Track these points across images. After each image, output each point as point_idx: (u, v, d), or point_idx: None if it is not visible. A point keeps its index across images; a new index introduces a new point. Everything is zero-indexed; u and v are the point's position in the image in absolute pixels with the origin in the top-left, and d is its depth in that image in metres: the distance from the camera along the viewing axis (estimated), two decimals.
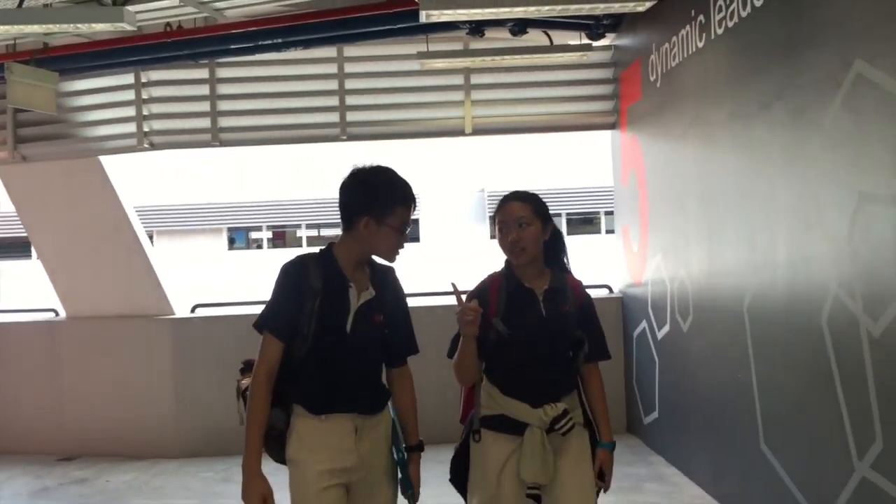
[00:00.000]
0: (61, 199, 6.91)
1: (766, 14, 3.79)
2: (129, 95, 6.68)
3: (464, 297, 2.78)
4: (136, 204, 7.16)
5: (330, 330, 2.58)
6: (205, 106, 6.68)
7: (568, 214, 35.14)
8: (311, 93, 6.72)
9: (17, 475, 6.18)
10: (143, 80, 6.66)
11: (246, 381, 2.70)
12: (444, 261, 21.21)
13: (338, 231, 2.72)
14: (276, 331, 2.59)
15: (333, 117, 6.70)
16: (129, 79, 6.66)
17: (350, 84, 6.70)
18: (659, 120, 5.55)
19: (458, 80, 6.69)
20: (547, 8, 4.51)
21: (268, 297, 2.68)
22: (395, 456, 2.72)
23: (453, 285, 2.82)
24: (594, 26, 6.09)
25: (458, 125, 6.78)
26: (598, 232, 33.18)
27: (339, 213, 2.66)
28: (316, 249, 2.72)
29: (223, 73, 6.67)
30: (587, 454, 2.88)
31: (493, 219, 2.96)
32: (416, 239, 30.57)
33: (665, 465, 5.52)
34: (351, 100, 6.71)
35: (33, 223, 7.14)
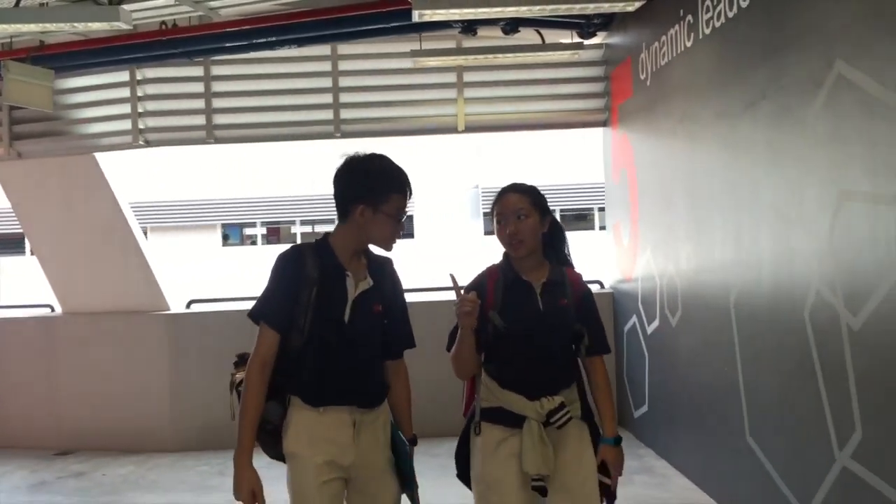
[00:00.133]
0: (57, 195, 6.94)
1: (751, 15, 3.85)
2: (125, 93, 6.72)
3: (462, 291, 2.75)
4: (131, 200, 7.20)
5: (327, 320, 2.54)
6: (199, 103, 6.72)
7: (561, 210, 35.12)
8: (305, 90, 6.77)
9: (14, 469, 6.23)
10: (139, 77, 6.71)
11: (240, 375, 2.64)
12: (439, 257, 21.21)
13: (332, 227, 2.68)
14: (272, 321, 2.53)
15: (327, 115, 6.74)
16: (124, 76, 6.70)
17: (344, 82, 6.74)
18: (649, 117, 5.60)
19: (451, 78, 6.74)
20: (538, 7, 4.58)
21: (262, 291, 2.63)
22: (400, 450, 2.69)
23: (452, 277, 2.75)
24: (585, 25, 6.15)
25: (451, 123, 6.84)
26: (592, 228, 33.16)
27: (333, 209, 2.61)
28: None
29: (218, 70, 6.71)
30: (587, 444, 2.82)
31: (490, 211, 2.91)
32: (410, 235, 30.55)
33: (654, 458, 5.59)
34: (345, 97, 6.75)
35: (29, 219, 7.18)
